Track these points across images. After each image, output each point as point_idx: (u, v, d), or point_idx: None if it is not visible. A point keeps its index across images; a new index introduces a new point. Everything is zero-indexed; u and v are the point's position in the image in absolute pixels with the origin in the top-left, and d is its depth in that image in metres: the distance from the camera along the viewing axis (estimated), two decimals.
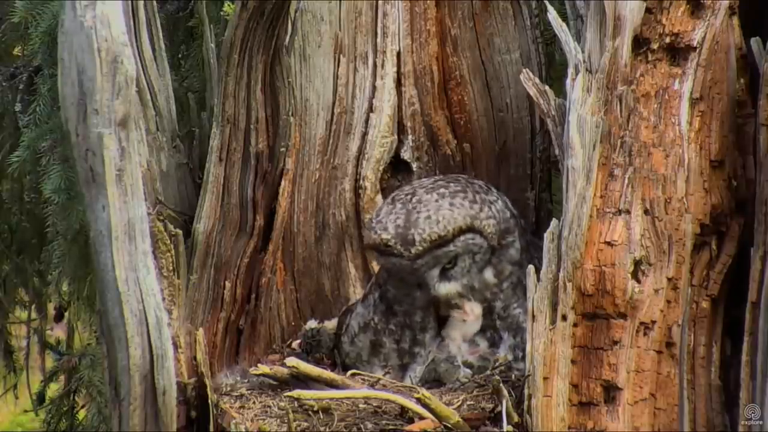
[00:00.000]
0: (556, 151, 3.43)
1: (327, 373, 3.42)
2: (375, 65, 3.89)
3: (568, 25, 3.50)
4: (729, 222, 3.44)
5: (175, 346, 3.41)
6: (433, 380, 3.56)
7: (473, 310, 3.56)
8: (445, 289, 3.52)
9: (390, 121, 3.89)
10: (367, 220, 3.74)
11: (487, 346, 3.57)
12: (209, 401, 3.37)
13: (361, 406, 3.36)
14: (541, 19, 3.90)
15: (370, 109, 3.88)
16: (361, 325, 3.68)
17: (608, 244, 3.33)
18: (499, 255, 3.54)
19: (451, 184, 3.54)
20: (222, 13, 3.81)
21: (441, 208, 3.48)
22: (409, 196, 3.53)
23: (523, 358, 3.40)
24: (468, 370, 3.54)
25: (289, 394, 3.32)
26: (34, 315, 6.25)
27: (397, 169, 3.95)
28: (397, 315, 3.61)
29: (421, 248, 3.46)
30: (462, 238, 3.48)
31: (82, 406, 5.59)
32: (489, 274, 3.55)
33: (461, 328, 3.58)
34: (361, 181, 3.88)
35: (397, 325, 3.62)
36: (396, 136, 3.92)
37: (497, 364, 3.51)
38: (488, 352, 3.56)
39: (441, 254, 3.48)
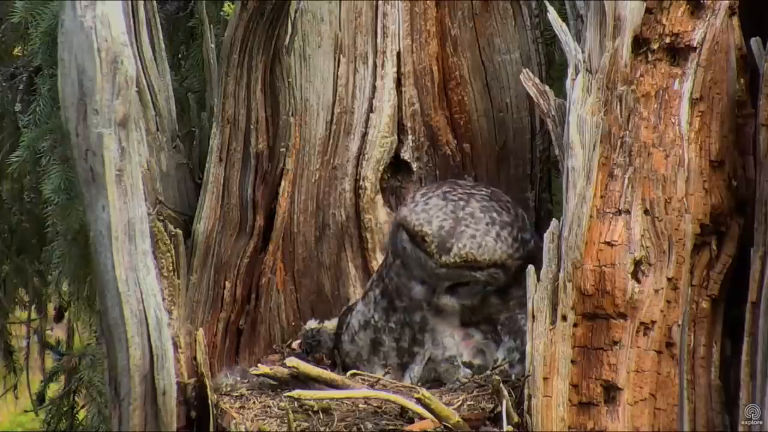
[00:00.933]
0: (556, 151, 3.43)
1: (327, 373, 3.42)
2: (375, 65, 3.89)
3: (568, 25, 3.50)
4: (729, 222, 3.44)
5: (175, 346, 3.41)
6: (433, 380, 3.56)
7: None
8: (445, 301, 3.53)
9: (390, 121, 3.89)
10: (409, 196, 3.66)
11: (482, 338, 3.56)
12: (209, 401, 3.37)
13: (361, 406, 3.36)
14: (541, 19, 3.90)
15: (370, 109, 3.88)
16: (361, 322, 3.68)
17: (608, 244, 3.33)
18: (515, 282, 3.53)
19: (504, 213, 3.51)
20: (222, 13, 3.81)
21: (488, 234, 3.46)
22: (462, 203, 3.50)
23: (520, 360, 3.42)
24: (468, 370, 3.54)
25: (289, 394, 3.32)
26: (34, 315, 6.25)
27: (397, 169, 3.95)
28: (397, 312, 3.61)
29: (452, 261, 3.45)
30: (491, 270, 3.48)
31: (82, 406, 5.59)
32: (493, 298, 3.55)
33: (449, 321, 3.58)
34: (361, 181, 3.87)
35: (397, 323, 3.61)
36: (396, 136, 3.92)
37: (498, 364, 3.51)
38: (483, 343, 3.56)
39: (466, 275, 3.48)
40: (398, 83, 3.91)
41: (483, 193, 3.57)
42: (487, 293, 3.52)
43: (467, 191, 3.55)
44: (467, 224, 3.47)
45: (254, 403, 3.42)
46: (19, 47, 5.27)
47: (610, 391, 3.29)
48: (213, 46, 3.71)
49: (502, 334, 3.56)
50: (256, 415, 3.36)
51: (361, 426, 3.28)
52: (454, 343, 3.56)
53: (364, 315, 3.68)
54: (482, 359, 3.56)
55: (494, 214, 3.50)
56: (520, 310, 3.51)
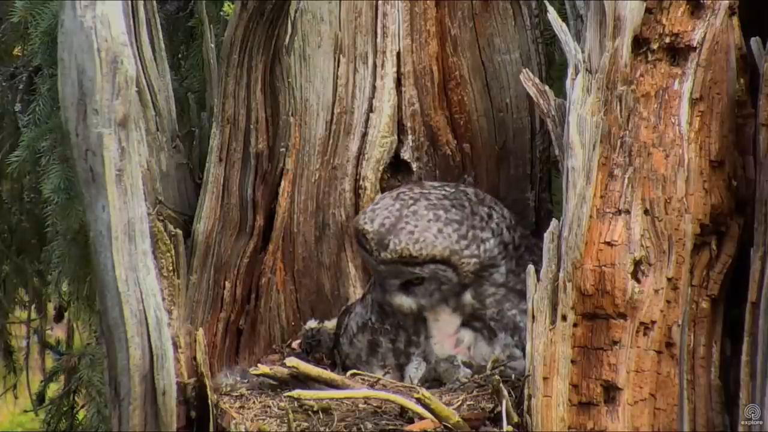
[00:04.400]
0: (556, 151, 3.43)
1: (327, 373, 3.43)
2: (375, 65, 3.89)
3: (568, 25, 3.50)
4: (729, 222, 3.44)
5: (175, 346, 3.41)
6: (433, 380, 3.56)
7: (444, 310, 3.56)
8: (400, 300, 3.53)
9: (390, 121, 3.89)
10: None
11: (473, 340, 3.56)
12: (209, 401, 3.37)
13: (361, 406, 3.36)
14: (541, 19, 3.90)
15: (370, 109, 3.88)
16: (359, 324, 3.68)
17: (608, 244, 3.33)
18: (480, 280, 3.53)
19: (453, 210, 3.52)
20: (222, 13, 3.81)
21: (428, 230, 3.47)
22: (411, 201, 3.52)
23: (515, 357, 3.43)
24: (468, 370, 3.54)
25: (289, 394, 3.32)
26: (34, 315, 6.25)
27: (397, 169, 3.95)
28: (389, 316, 3.62)
29: (389, 257, 3.46)
30: (432, 266, 3.48)
31: (82, 406, 5.59)
32: (467, 297, 3.54)
33: (439, 328, 3.58)
34: (361, 181, 3.87)
35: (392, 325, 3.62)
36: (396, 136, 3.92)
37: (498, 363, 3.51)
38: (472, 344, 3.55)
39: (405, 271, 3.49)
40: (398, 83, 3.91)
41: (443, 192, 3.58)
42: (445, 293, 3.52)
43: (424, 191, 3.57)
44: (407, 221, 3.48)
45: (254, 403, 3.42)
46: (19, 47, 5.27)
47: (610, 391, 3.29)
48: (213, 46, 3.71)
49: (497, 330, 3.56)
50: (256, 415, 3.36)
51: (361, 426, 3.28)
52: (443, 350, 3.57)
53: (362, 317, 3.68)
54: (480, 359, 3.56)
55: (440, 212, 3.50)
56: (507, 303, 3.53)
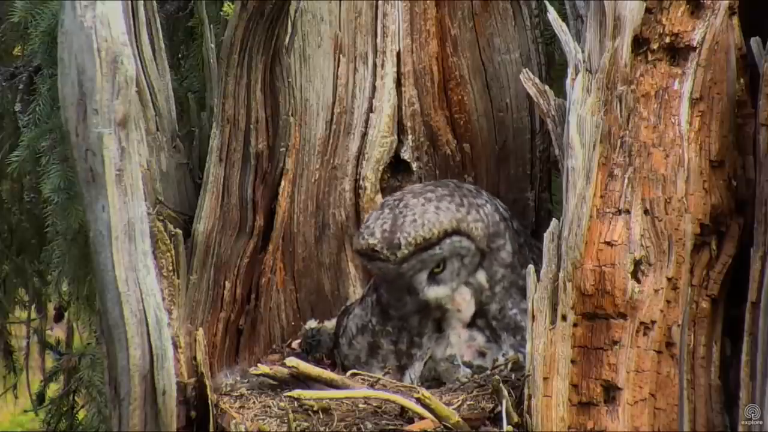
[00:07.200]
0: (556, 151, 3.43)
1: (327, 373, 3.43)
2: (375, 65, 3.89)
3: (568, 25, 3.50)
4: (729, 222, 3.45)
5: (175, 346, 3.41)
6: (433, 379, 3.56)
7: (464, 297, 3.56)
8: (434, 293, 3.53)
9: (390, 121, 3.89)
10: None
11: (485, 341, 3.57)
12: (209, 401, 3.37)
13: (361, 406, 3.36)
14: (541, 19, 3.90)
15: (370, 109, 3.88)
16: (359, 326, 3.68)
17: (608, 244, 3.33)
18: (490, 258, 3.54)
19: (439, 189, 3.55)
20: (222, 13, 3.80)
21: (426, 212, 3.48)
22: (397, 202, 3.54)
23: (518, 360, 3.42)
24: (468, 370, 3.54)
25: (289, 394, 3.32)
26: (34, 315, 6.25)
27: (397, 169, 3.95)
28: (393, 318, 3.61)
29: (406, 251, 3.46)
30: (448, 240, 3.48)
31: (82, 406, 5.59)
32: (482, 277, 3.55)
33: (459, 317, 3.58)
34: (361, 181, 3.88)
35: (395, 327, 3.62)
36: (396, 136, 3.92)
37: (498, 364, 3.51)
38: (485, 346, 3.56)
39: (427, 257, 3.48)
40: (398, 83, 3.91)
41: (422, 185, 3.63)
42: (469, 270, 3.52)
43: (404, 192, 3.60)
44: (404, 215, 3.49)
45: (254, 403, 3.42)
46: (19, 47, 5.27)
47: (610, 391, 3.29)
48: (213, 46, 3.71)
49: (498, 330, 3.56)
50: (256, 415, 3.36)
51: (361, 426, 3.28)
52: (458, 341, 3.57)
53: (362, 319, 3.68)
54: (482, 360, 3.56)
55: (429, 194, 3.53)
56: (510, 299, 3.54)
